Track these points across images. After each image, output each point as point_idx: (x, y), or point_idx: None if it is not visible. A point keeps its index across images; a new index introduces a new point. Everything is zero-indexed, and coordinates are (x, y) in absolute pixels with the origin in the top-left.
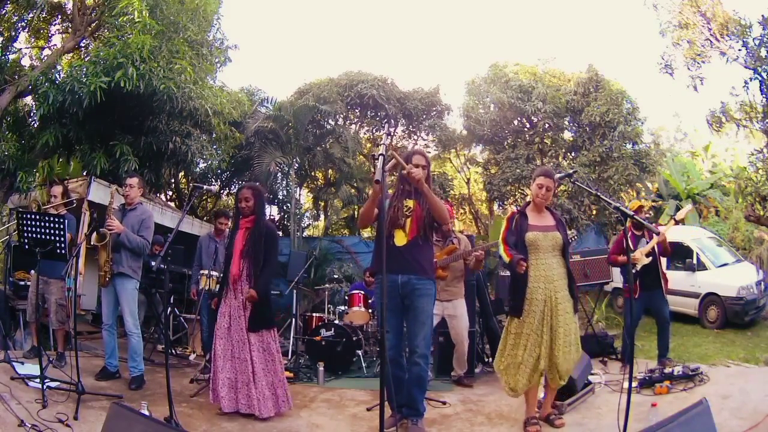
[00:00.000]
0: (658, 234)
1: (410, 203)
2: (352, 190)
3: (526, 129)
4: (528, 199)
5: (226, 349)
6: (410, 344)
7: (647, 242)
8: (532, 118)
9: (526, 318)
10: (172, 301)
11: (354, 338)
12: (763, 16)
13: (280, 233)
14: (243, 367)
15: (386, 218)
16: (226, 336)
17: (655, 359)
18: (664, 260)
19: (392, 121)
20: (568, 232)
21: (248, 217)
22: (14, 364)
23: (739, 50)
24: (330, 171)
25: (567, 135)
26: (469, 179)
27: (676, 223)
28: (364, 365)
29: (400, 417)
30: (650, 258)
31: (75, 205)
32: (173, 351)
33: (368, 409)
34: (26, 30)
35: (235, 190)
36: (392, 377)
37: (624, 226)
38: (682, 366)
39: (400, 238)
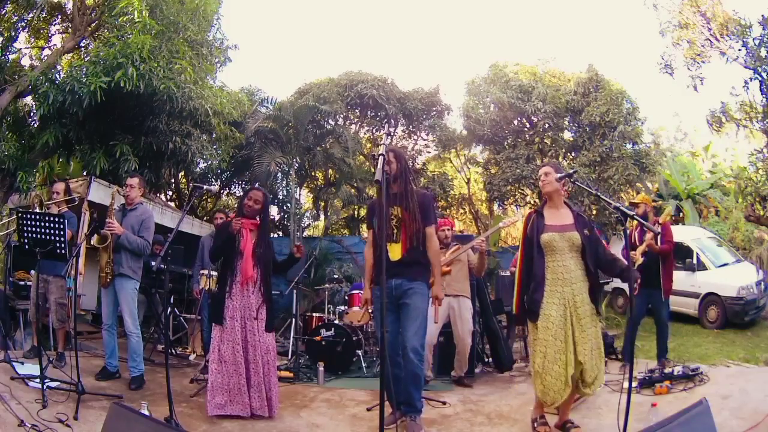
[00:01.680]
0: (657, 234)
1: (397, 211)
2: (352, 190)
3: (526, 129)
4: (530, 199)
5: (236, 352)
6: (402, 340)
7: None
8: (532, 118)
9: (542, 323)
10: (172, 301)
11: (354, 338)
12: (763, 16)
13: (280, 233)
14: (255, 369)
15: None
16: (236, 340)
17: (655, 359)
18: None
19: (392, 121)
20: None
21: (252, 219)
22: (14, 364)
23: (739, 50)
24: (330, 171)
25: (567, 135)
26: (469, 179)
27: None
28: (364, 365)
29: (400, 415)
30: (643, 258)
31: (77, 203)
32: (173, 351)
33: (368, 409)
34: (26, 30)
35: (235, 190)
36: (391, 376)
37: (624, 226)
38: (682, 366)
39: (394, 253)
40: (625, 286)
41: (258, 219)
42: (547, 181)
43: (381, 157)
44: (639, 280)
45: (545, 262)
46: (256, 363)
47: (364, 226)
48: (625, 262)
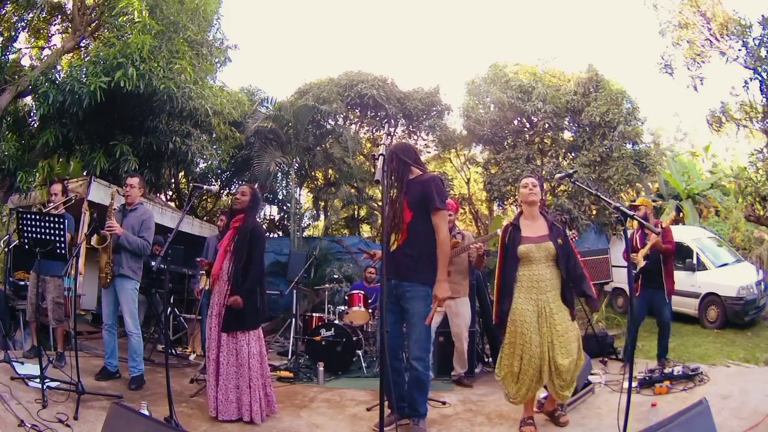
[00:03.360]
0: (658, 234)
1: (401, 198)
2: (352, 190)
3: (526, 129)
4: (519, 199)
5: (211, 348)
6: (408, 347)
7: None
8: (532, 118)
9: (518, 328)
10: (172, 301)
11: (354, 338)
12: (763, 16)
13: (280, 233)
14: (214, 367)
15: (388, 219)
16: (208, 333)
17: (656, 359)
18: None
19: (392, 121)
20: (569, 232)
21: (240, 216)
22: (14, 364)
23: (739, 50)
24: (330, 171)
25: (567, 135)
26: (469, 179)
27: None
28: (364, 365)
29: (399, 416)
30: (646, 261)
31: (74, 203)
32: (173, 351)
33: (368, 409)
34: (26, 30)
35: (235, 190)
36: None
37: (624, 226)
38: (682, 366)
39: (394, 241)
40: (626, 286)
41: (244, 214)
42: (534, 192)
43: (381, 157)
44: (640, 281)
45: (520, 271)
46: (220, 363)
47: (364, 226)
48: (592, 288)
